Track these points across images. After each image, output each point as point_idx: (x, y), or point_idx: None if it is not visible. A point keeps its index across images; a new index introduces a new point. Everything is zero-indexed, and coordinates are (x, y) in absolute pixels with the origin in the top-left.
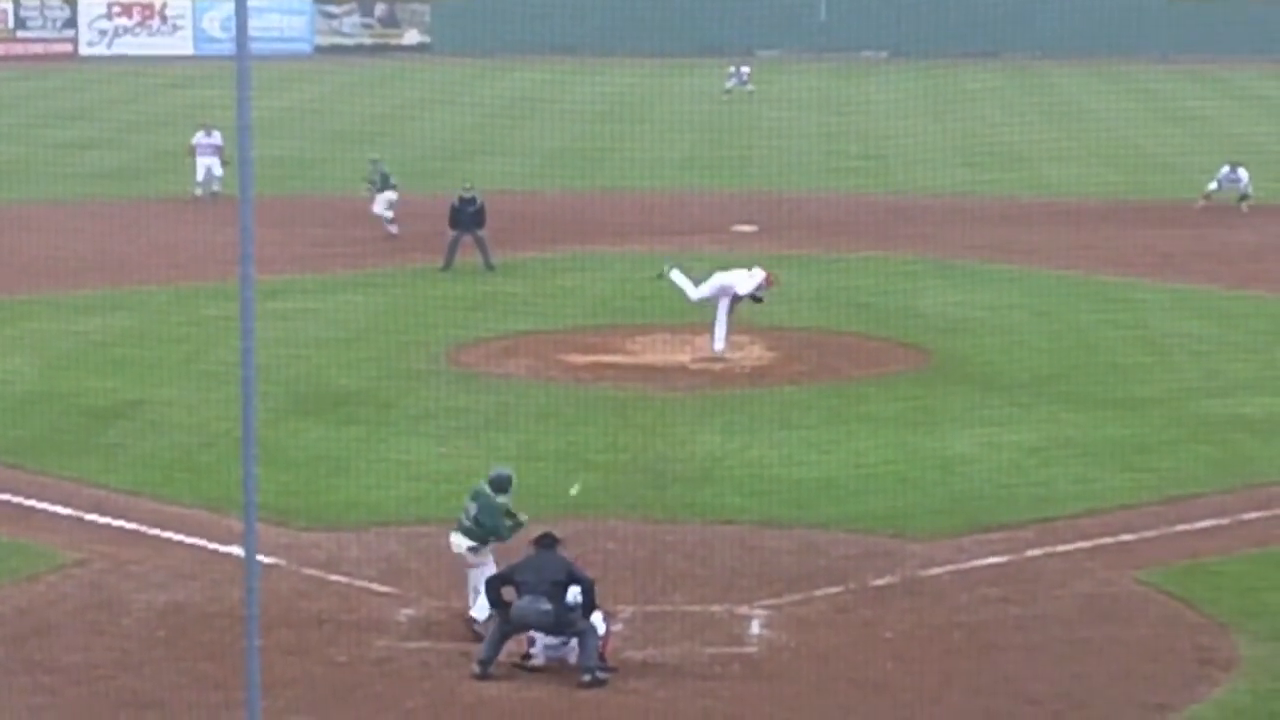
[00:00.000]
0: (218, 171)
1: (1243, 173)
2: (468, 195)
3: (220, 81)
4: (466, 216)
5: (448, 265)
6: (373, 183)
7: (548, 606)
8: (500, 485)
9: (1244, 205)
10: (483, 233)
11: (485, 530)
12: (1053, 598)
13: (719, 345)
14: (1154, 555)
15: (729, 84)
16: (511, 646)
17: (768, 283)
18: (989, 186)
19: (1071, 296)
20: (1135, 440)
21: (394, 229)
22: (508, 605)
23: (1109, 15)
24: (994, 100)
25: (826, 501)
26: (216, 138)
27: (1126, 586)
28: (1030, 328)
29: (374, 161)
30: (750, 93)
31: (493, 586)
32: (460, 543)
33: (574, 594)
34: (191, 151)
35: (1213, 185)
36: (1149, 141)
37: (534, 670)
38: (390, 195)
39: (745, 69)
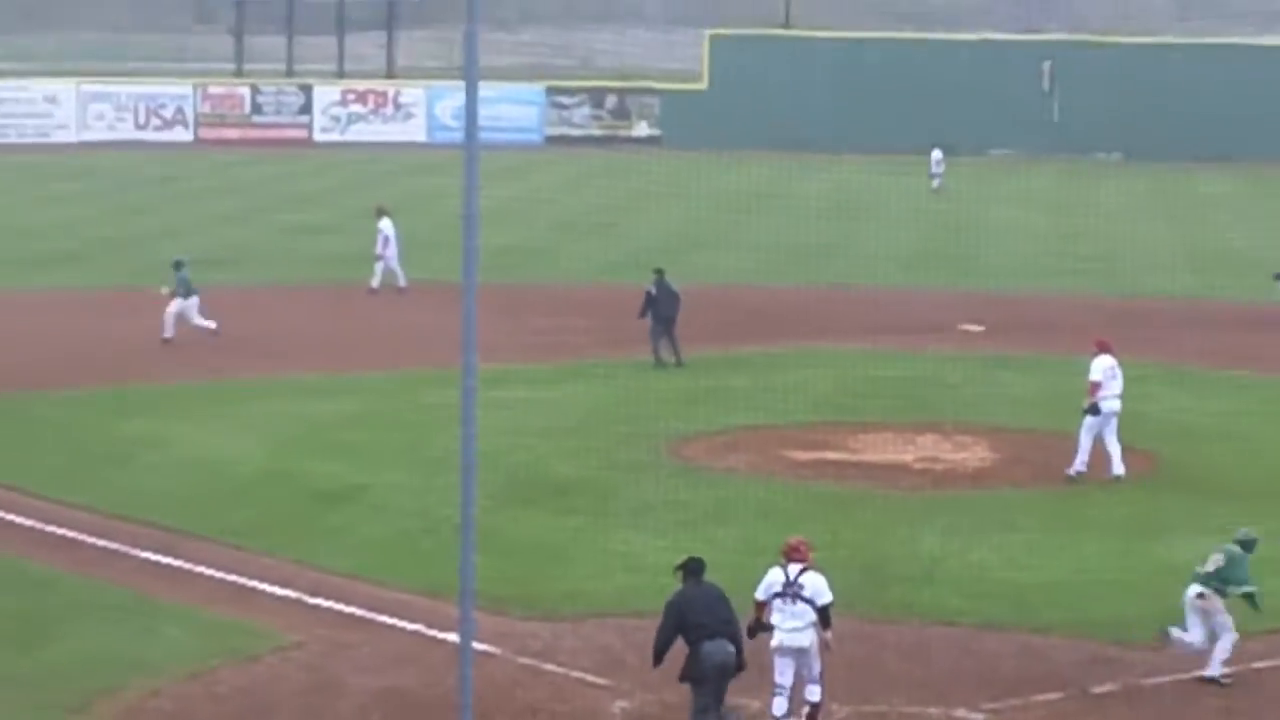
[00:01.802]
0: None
1: None
2: (661, 283)
3: (452, 169)
4: (661, 306)
5: (658, 360)
6: (175, 289)
7: (731, 648)
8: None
9: None
10: (674, 324)
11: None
12: (1279, 710)
13: (1115, 468)
14: None
15: (935, 184)
16: None
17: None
18: (1220, 291)
19: None
20: None
21: (212, 324)
22: (696, 661)
23: None
24: (1227, 205)
25: (1048, 606)
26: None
27: None
28: (1262, 436)
29: (177, 264)
30: (937, 190)
31: (666, 639)
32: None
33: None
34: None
35: None
36: None
37: None
38: (194, 300)
39: (937, 158)
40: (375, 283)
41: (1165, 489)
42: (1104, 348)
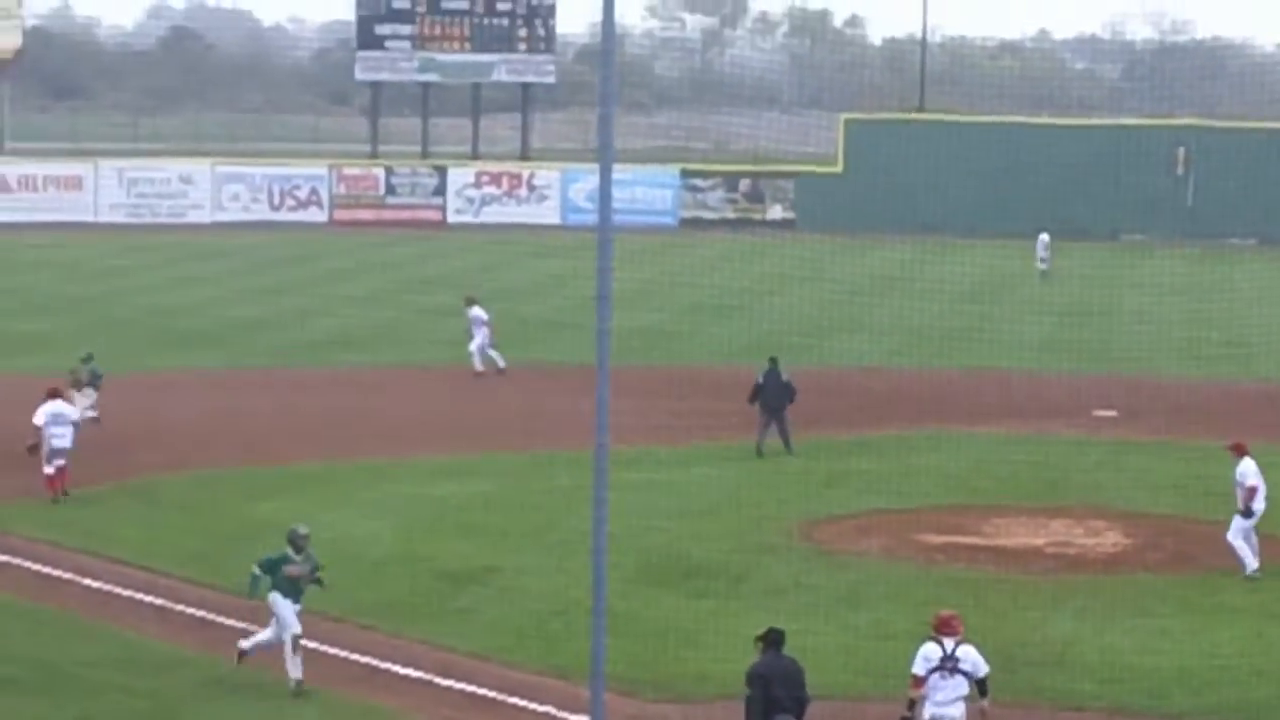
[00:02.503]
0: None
1: None
2: (772, 372)
3: (585, 252)
4: (769, 395)
5: (760, 450)
6: (82, 382)
7: None
8: None
9: None
10: (784, 413)
11: None
12: None
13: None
14: None
15: (1041, 265)
16: None
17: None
18: None
19: None
20: None
21: (93, 414)
22: None
23: None
24: None
25: (1180, 692)
26: (477, 312)
27: None
28: None
29: (85, 361)
30: (1045, 274)
31: (759, 710)
32: None
33: None
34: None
35: None
36: None
37: None
38: (90, 395)
39: (1044, 241)
40: (479, 366)
41: None
42: (1243, 450)
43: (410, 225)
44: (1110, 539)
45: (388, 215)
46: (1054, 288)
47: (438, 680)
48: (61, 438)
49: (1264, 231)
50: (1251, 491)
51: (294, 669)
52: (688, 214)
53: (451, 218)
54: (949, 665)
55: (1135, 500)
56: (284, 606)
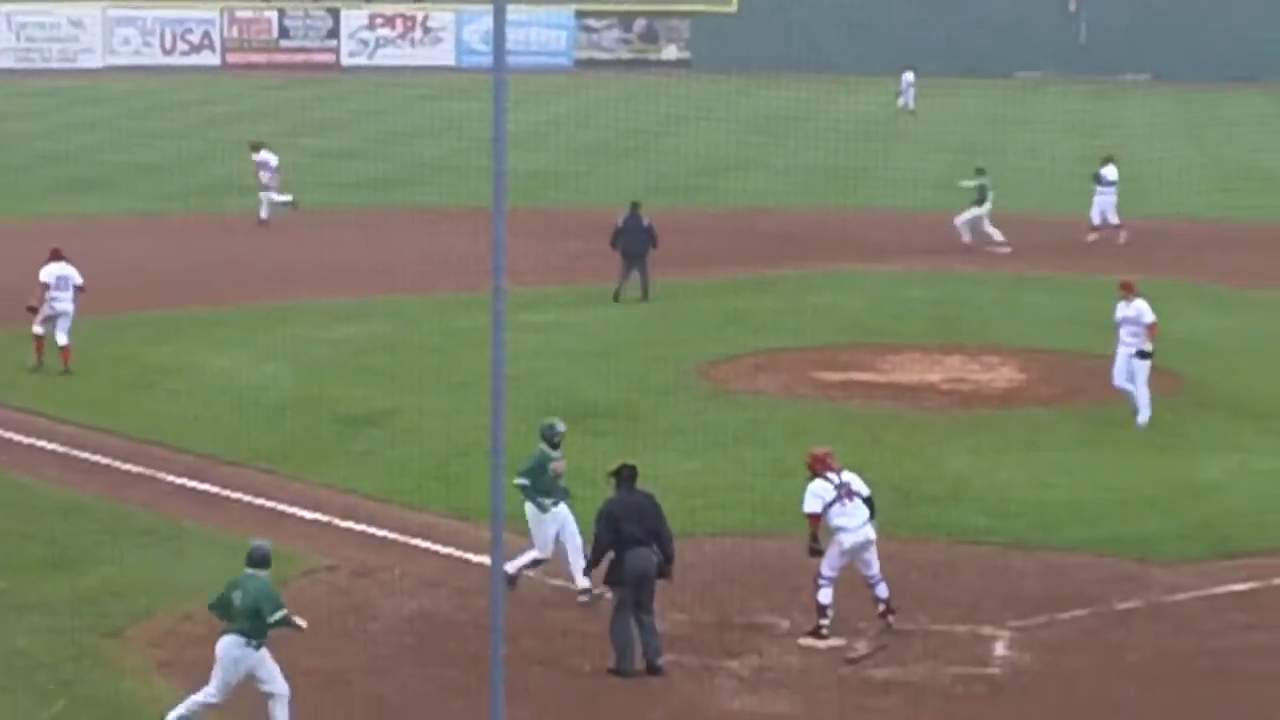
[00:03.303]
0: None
1: None
2: (633, 216)
3: (480, 94)
4: (629, 240)
5: (618, 295)
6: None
7: (655, 557)
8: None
9: None
10: (645, 260)
11: None
12: None
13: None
14: None
15: (901, 102)
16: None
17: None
18: (1246, 211)
19: None
20: None
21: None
22: (619, 567)
23: None
24: (1254, 125)
25: (1073, 525)
26: (265, 156)
27: None
28: None
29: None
30: (913, 113)
31: (604, 546)
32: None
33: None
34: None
35: None
36: None
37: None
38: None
39: (908, 79)
40: (264, 214)
41: (1190, 407)
42: (1133, 289)
43: (304, 69)
44: (1004, 374)
45: (281, 59)
46: (943, 126)
47: (339, 523)
48: (62, 300)
49: (1157, 67)
50: (1153, 329)
51: (513, 565)
52: (583, 55)
53: (346, 60)
54: (844, 492)
55: (1029, 336)
56: (543, 524)
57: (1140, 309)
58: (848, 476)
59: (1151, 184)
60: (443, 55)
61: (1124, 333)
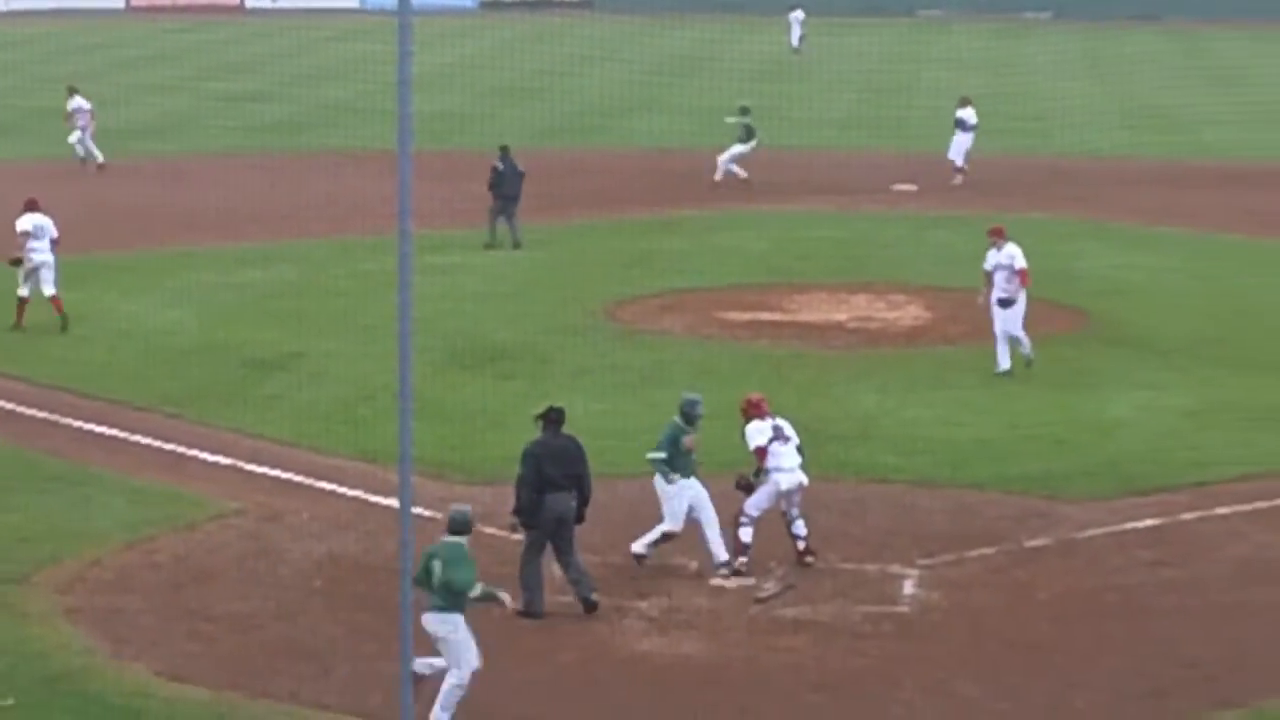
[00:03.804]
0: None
1: None
2: (506, 159)
3: (384, 36)
4: (513, 182)
5: (491, 240)
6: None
7: (573, 501)
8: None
9: None
10: (516, 204)
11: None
12: (1208, 561)
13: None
14: None
15: (794, 43)
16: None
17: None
18: (1149, 149)
19: (1231, 260)
20: None
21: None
22: (537, 510)
23: None
24: (1155, 63)
25: (981, 462)
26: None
27: None
28: (1189, 291)
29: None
30: (798, 52)
31: (529, 487)
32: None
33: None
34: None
35: None
36: None
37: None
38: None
39: (798, 18)
40: (83, 154)
41: (1095, 345)
42: (1004, 234)
43: (208, 11)
44: (911, 313)
45: (185, 1)
46: (848, 65)
47: (246, 466)
48: (40, 251)
49: (1058, 4)
50: (1024, 275)
51: (641, 545)
52: None
53: (251, 3)
54: (778, 434)
55: (935, 274)
56: (674, 497)
57: (1012, 253)
58: (780, 421)
59: (1056, 122)
60: None
61: (999, 279)
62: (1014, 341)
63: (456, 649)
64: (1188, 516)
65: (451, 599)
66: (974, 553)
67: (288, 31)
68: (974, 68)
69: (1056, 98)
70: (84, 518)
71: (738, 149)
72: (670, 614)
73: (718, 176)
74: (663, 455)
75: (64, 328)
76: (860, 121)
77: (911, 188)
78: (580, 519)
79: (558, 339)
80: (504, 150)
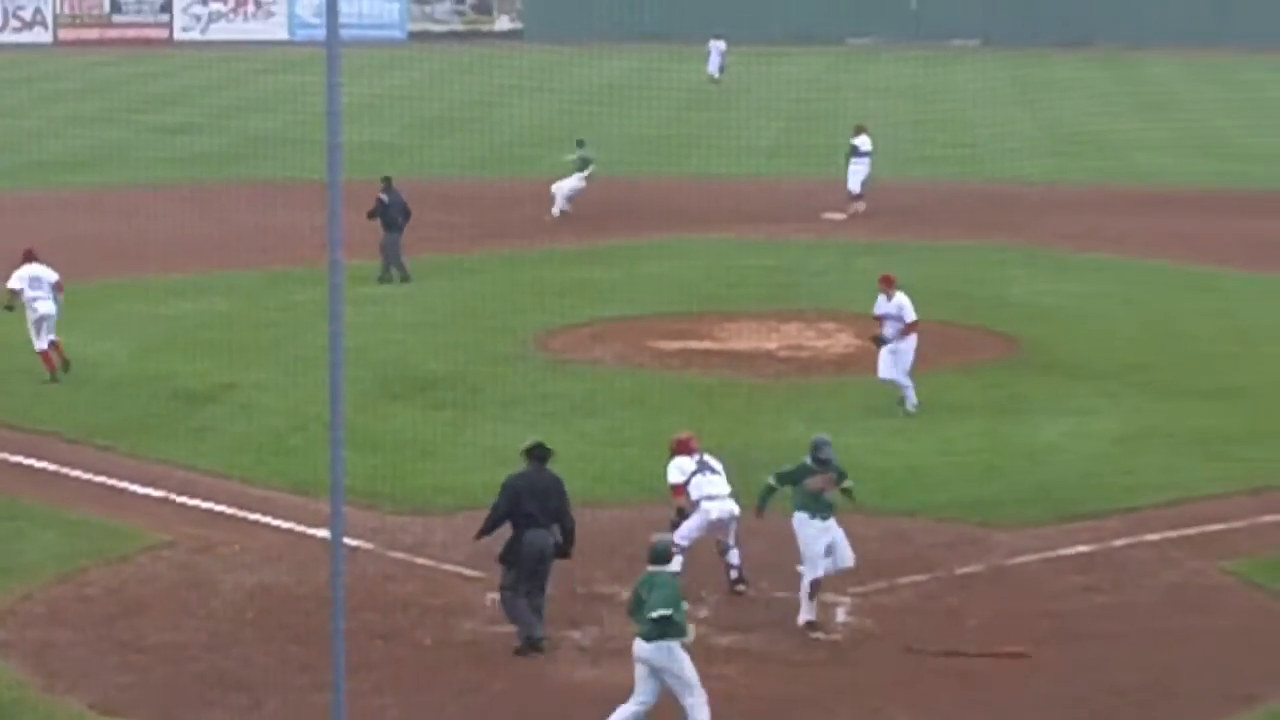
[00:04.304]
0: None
1: None
2: (391, 190)
3: (313, 67)
4: (399, 213)
5: (385, 274)
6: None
7: (551, 538)
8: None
9: None
10: (402, 236)
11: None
12: (1139, 587)
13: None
14: (1241, 546)
15: (712, 70)
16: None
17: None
18: (1079, 175)
19: (1161, 285)
20: (1222, 430)
21: None
22: (516, 546)
23: (1201, 4)
24: (1085, 89)
25: (913, 489)
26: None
27: (1213, 577)
28: (1119, 316)
29: None
30: (716, 81)
31: (500, 518)
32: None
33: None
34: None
35: None
36: (1240, 130)
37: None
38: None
39: (719, 47)
40: None
41: (1026, 371)
42: (894, 283)
43: (137, 44)
44: (841, 340)
45: (113, 34)
46: (799, 93)
47: (178, 498)
48: (43, 301)
49: (987, 32)
50: (913, 328)
51: (806, 611)
52: (416, 27)
53: (179, 35)
54: (704, 467)
55: (865, 302)
56: (813, 540)
57: (901, 305)
58: (707, 457)
59: (985, 149)
60: (275, 29)
61: (887, 327)
62: (896, 387)
63: (681, 673)
64: (1118, 542)
65: (664, 628)
66: (906, 580)
67: (217, 64)
68: (903, 95)
69: (986, 124)
70: (16, 551)
71: (572, 182)
72: (602, 643)
73: (555, 211)
74: (773, 483)
75: (65, 370)
76: (789, 149)
77: (841, 216)
78: (566, 554)
79: (488, 369)
80: (387, 181)
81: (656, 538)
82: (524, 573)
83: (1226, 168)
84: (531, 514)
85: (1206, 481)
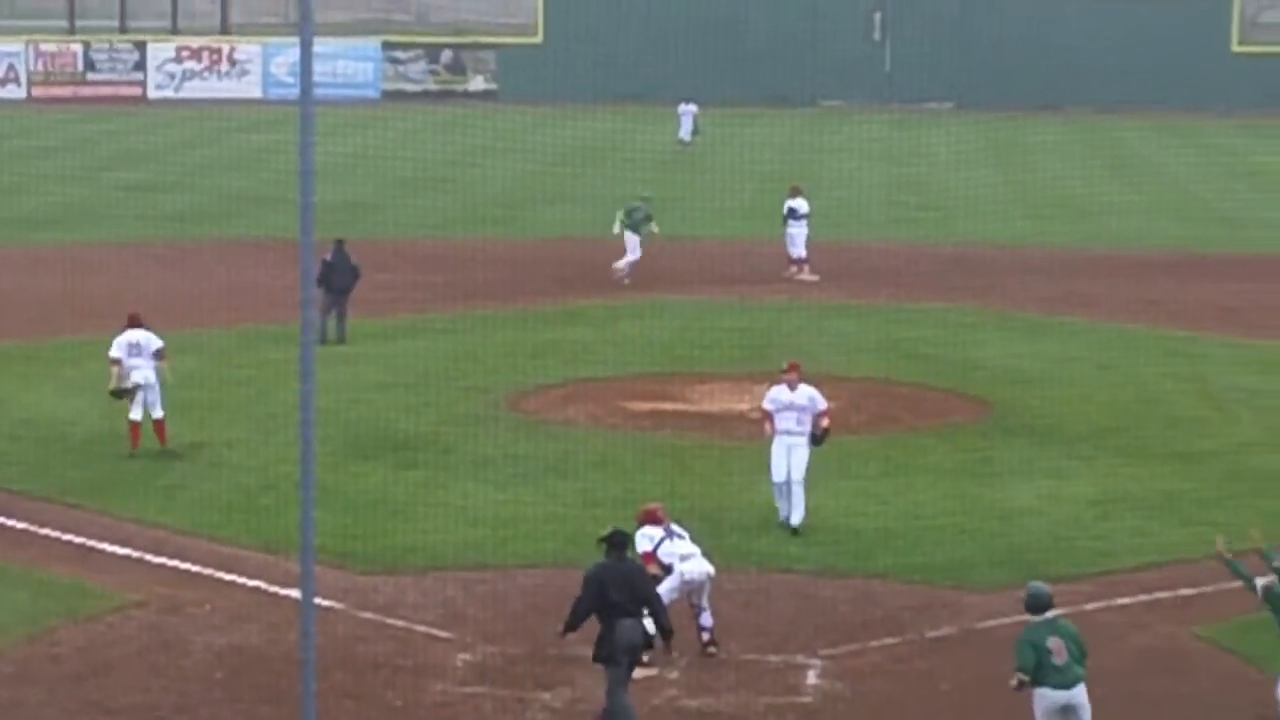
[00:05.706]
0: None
1: None
2: (339, 253)
3: (287, 126)
4: (343, 275)
5: (324, 337)
6: None
7: (642, 628)
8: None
9: None
10: (347, 298)
11: None
12: (1111, 651)
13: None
14: (1213, 610)
15: (683, 136)
16: None
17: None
18: (1051, 238)
19: (1133, 349)
20: (1195, 494)
21: None
22: (609, 640)
23: (1173, 70)
24: (1057, 153)
25: (885, 552)
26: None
27: (1185, 641)
28: (1091, 380)
29: None
30: (686, 146)
31: (584, 612)
32: None
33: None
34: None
35: None
36: (1213, 195)
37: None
38: None
39: (690, 110)
40: None
41: (998, 434)
42: (799, 371)
43: (111, 101)
44: None
45: (87, 92)
46: (750, 155)
47: (149, 557)
48: (143, 369)
49: (960, 95)
50: (826, 415)
51: None
52: (390, 86)
53: (153, 93)
54: (670, 534)
55: (836, 364)
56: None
57: (812, 395)
58: (674, 525)
59: (957, 211)
60: (249, 88)
61: (785, 419)
62: (788, 492)
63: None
64: (1090, 606)
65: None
66: (877, 643)
67: (190, 121)
68: (876, 157)
69: (958, 187)
70: None
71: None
72: (573, 704)
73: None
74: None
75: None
76: (762, 211)
77: (813, 277)
78: (651, 644)
79: (460, 429)
80: (339, 243)
81: (1035, 585)
82: (624, 666)
83: (1199, 232)
84: (620, 604)
85: (1179, 546)
